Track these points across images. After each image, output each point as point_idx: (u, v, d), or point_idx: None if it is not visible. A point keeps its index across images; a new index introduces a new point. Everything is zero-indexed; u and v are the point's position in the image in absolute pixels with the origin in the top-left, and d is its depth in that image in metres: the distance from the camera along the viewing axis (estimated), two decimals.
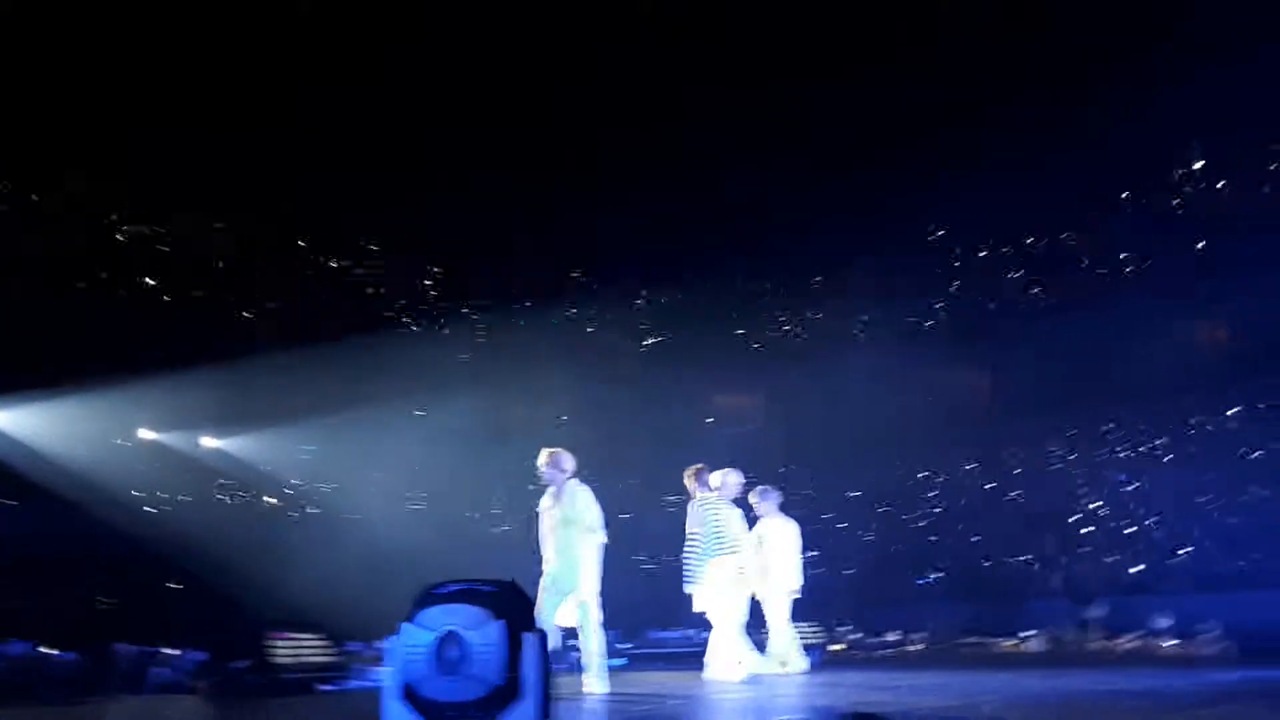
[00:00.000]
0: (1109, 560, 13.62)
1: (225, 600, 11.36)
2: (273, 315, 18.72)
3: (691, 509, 9.03)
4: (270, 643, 8.40)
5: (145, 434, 16.93)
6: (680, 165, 18.17)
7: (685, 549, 8.79)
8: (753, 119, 17.34)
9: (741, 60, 16.44)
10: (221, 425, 16.80)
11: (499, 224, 19.52)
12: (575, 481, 7.80)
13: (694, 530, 8.83)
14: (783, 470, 18.43)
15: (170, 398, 15.49)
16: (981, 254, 19.12)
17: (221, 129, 16.16)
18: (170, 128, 15.77)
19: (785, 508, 10.02)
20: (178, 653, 9.60)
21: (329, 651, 8.98)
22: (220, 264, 19.35)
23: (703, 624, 9.12)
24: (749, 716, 5.98)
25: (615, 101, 17.09)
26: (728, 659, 8.58)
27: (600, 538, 7.63)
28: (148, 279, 19.12)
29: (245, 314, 18.58)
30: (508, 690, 3.94)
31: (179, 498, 16.38)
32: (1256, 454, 14.08)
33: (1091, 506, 14.79)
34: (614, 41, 16.11)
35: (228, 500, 17.39)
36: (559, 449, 7.93)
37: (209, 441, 17.53)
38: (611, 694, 7.34)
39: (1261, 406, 14.34)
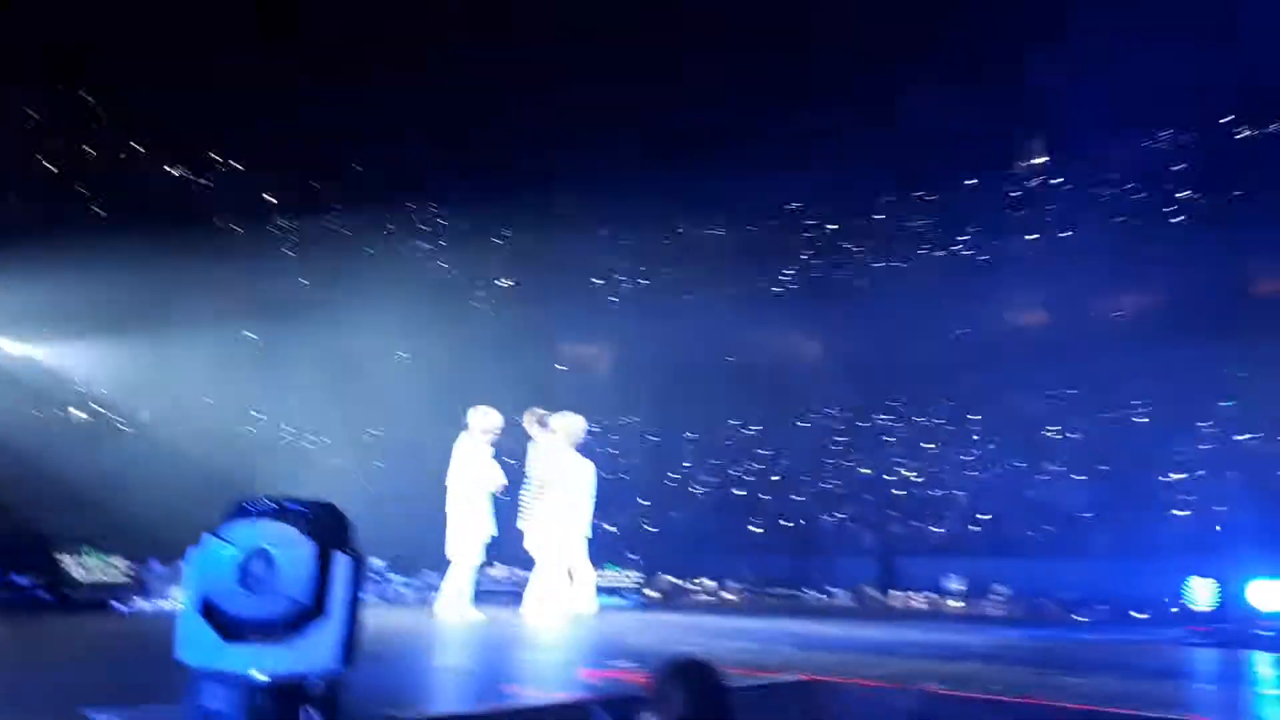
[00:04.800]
0: (916, 524, 14.49)
1: (17, 514, 10.59)
2: (95, 216, 17.46)
3: (531, 451, 9.06)
4: (63, 559, 7.92)
5: None
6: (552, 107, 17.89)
7: (523, 488, 8.84)
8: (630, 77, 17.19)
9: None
10: (25, 327, 15.56)
11: (346, 146, 18.77)
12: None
13: (532, 471, 8.88)
14: (623, 422, 18.67)
15: None
16: (828, 227, 19.78)
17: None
18: None
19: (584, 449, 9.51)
20: None
21: (127, 570, 8.53)
22: (40, 155, 17.89)
23: (524, 562, 9.16)
24: (566, 653, 6.07)
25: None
26: (548, 598, 8.68)
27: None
28: None
29: (70, 218, 17.24)
30: (314, 609, 3.82)
31: None
32: (1053, 434, 15.25)
33: (906, 474, 15.66)
34: None
35: (34, 412, 16.19)
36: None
37: (9, 345, 16.25)
38: (424, 627, 7.33)
39: (1072, 391, 15.46)
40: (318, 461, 15.54)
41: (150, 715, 3.74)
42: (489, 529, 8.52)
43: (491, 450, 8.63)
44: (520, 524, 8.84)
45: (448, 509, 8.46)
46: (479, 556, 8.55)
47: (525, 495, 8.95)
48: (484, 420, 8.62)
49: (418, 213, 20.54)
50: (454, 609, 8.30)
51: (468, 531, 8.42)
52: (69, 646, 5.90)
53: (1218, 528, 12.20)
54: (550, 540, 8.88)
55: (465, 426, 8.67)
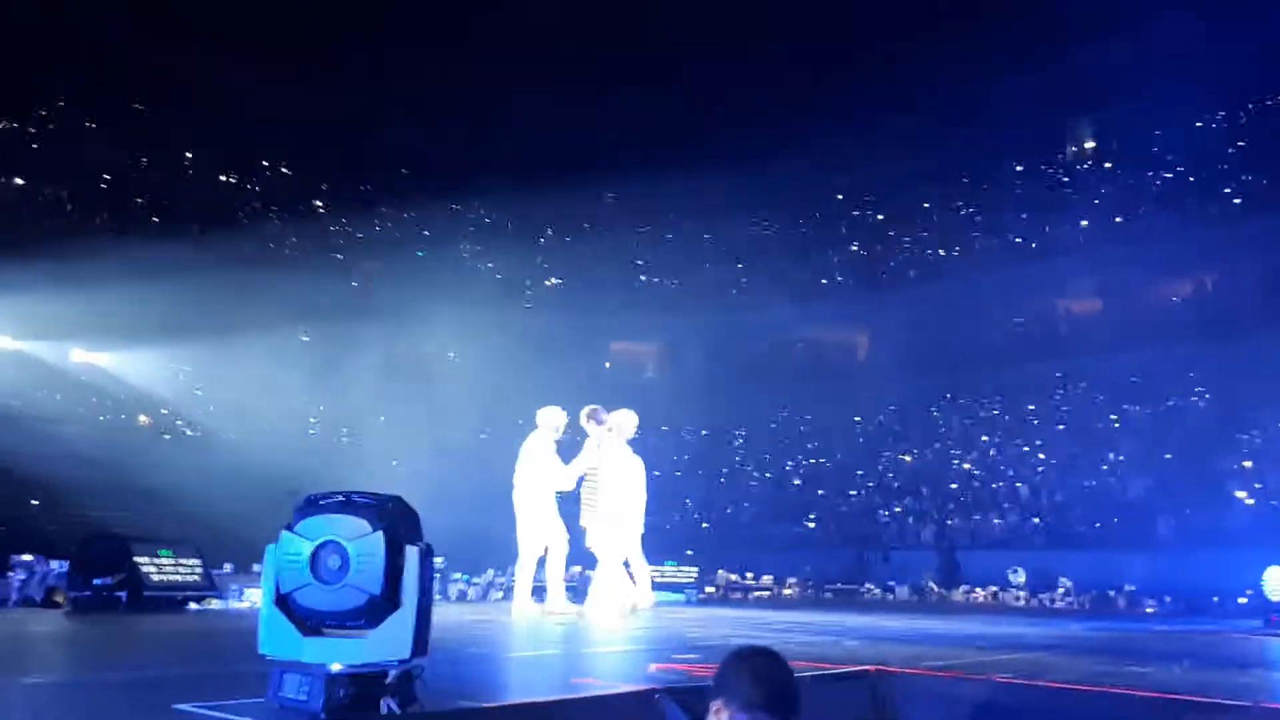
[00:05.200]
0: (976, 517, 14.27)
1: (92, 517, 10.93)
2: (156, 229, 17.89)
3: (587, 447, 9.10)
4: (139, 559, 8.14)
5: (8, 342, 16.01)
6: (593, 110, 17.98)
7: (582, 485, 8.88)
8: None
9: None
10: (92, 337, 15.98)
11: (396, 147, 19.02)
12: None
13: (590, 468, 8.92)
14: (674, 419, 18.71)
15: (40, 306, 14.67)
16: (878, 216, 19.60)
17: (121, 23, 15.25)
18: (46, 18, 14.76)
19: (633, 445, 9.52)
20: (32, 559, 9.15)
21: (200, 570, 8.75)
22: (102, 172, 18.37)
23: (584, 559, 9.22)
24: (631, 647, 6.10)
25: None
26: (611, 594, 8.72)
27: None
28: (17, 179, 18.02)
29: (130, 228, 17.69)
30: (387, 601, 3.89)
31: (46, 411, 15.58)
32: (1115, 422, 14.95)
33: (964, 466, 15.45)
34: None
35: (101, 418, 16.57)
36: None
37: (80, 354, 16.66)
38: (492, 621, 7.41)
39: (1132, 379, 15.16)
40: (377, 461, 15.79)
41: (236, 708, 3.83)
42: (558, 525, 8.66)
43: (555, 449, 8.78)
44: (583, 521, 8.90)
45: (516, 505, 8.59)
46: (560, 549, 8.67)
47: (586, 492, 9.01)
48: (553, 419, 8.85)
49: (465, 214, 20.76)
50: (533, 604, 8.44)
51: (537, 527, 8.56)
52: (151, 644, 6.07)
53: None
54: (611, 536, 8.93)
55: (534, 426, 8.83)
